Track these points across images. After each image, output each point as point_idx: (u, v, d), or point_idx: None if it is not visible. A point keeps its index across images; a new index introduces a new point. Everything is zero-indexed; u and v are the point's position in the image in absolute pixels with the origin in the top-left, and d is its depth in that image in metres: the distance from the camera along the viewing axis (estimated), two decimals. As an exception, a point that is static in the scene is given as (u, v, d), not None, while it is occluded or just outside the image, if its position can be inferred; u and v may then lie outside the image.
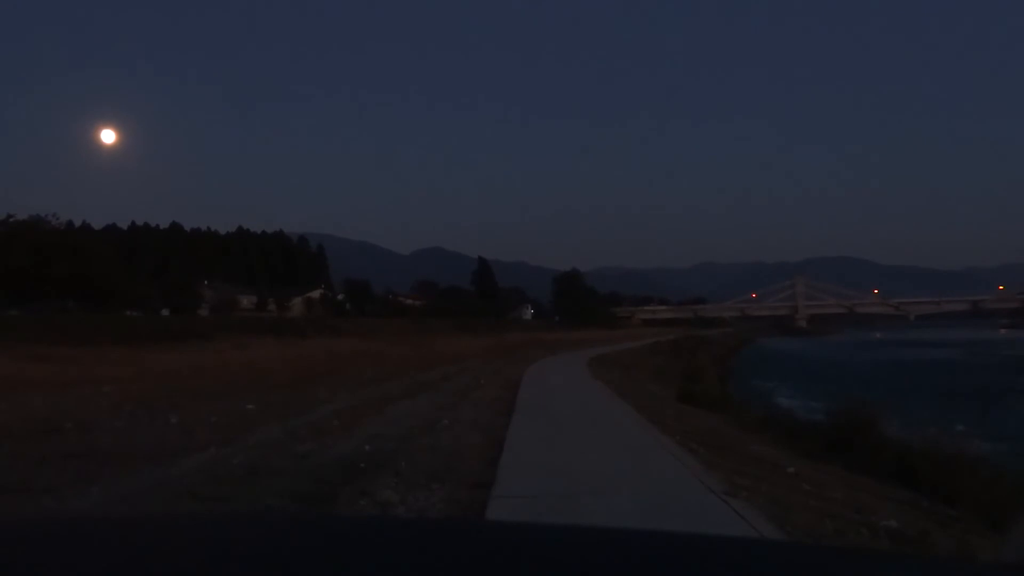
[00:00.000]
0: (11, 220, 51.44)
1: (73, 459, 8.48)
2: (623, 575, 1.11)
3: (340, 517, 3.50)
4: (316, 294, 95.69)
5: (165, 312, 59.61)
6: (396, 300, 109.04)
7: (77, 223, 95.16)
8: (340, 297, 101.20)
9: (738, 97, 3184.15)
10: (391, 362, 29.55)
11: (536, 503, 6.14)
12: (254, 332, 41.49)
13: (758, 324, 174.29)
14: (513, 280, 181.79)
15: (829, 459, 11.71)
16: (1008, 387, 32.51)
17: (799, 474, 9.16)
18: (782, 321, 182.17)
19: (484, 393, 17.30)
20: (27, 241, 46.65)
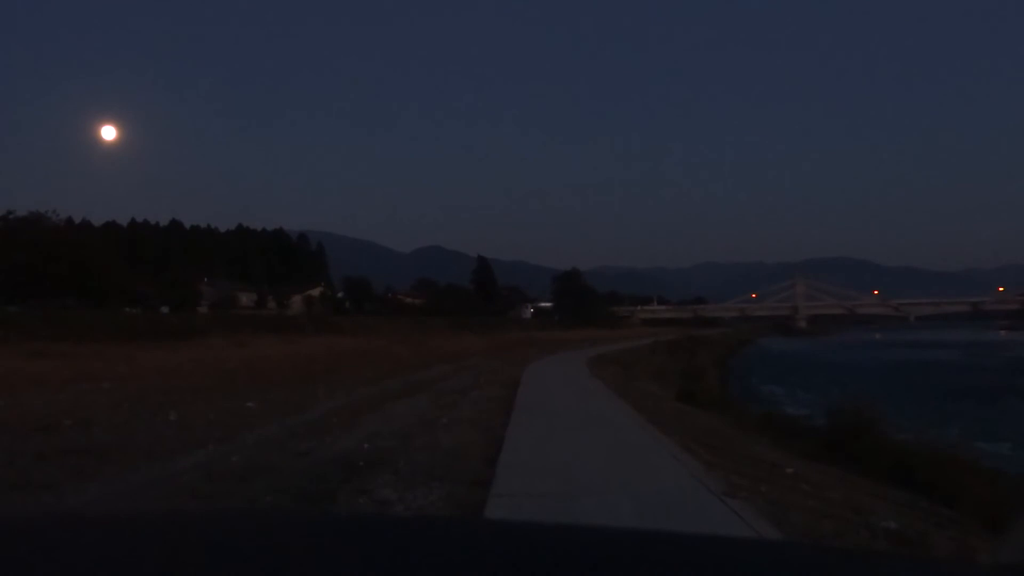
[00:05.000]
0: (11, 216, 51.47)
1: (72, 455, 8.49)
2: (622, 575, 1.11)
3: (338, 515, 3.49)
4: (316, 292, 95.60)
5: (164, 309, 59.56)
6: (396, 298, 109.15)
7: (77, 220, 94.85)
8: (340, 295, 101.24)
9: (739, 96, 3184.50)
10: (390, 360, 29.57)
11: (535, 502, 6.14)
12: (254, 330, 41.55)
13: (758, 324, 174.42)
14: (513, 279, 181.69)
15: (828, 460, 11.71)
16: (1007, 388, 32.54)
17: (798, 474, 9.16)
18: (782, 321, 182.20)
19: (483, 392, 17.30)
20: (27, 238, 46.68)
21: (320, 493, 6.84)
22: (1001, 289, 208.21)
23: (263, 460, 8.49)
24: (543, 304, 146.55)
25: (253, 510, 4.86)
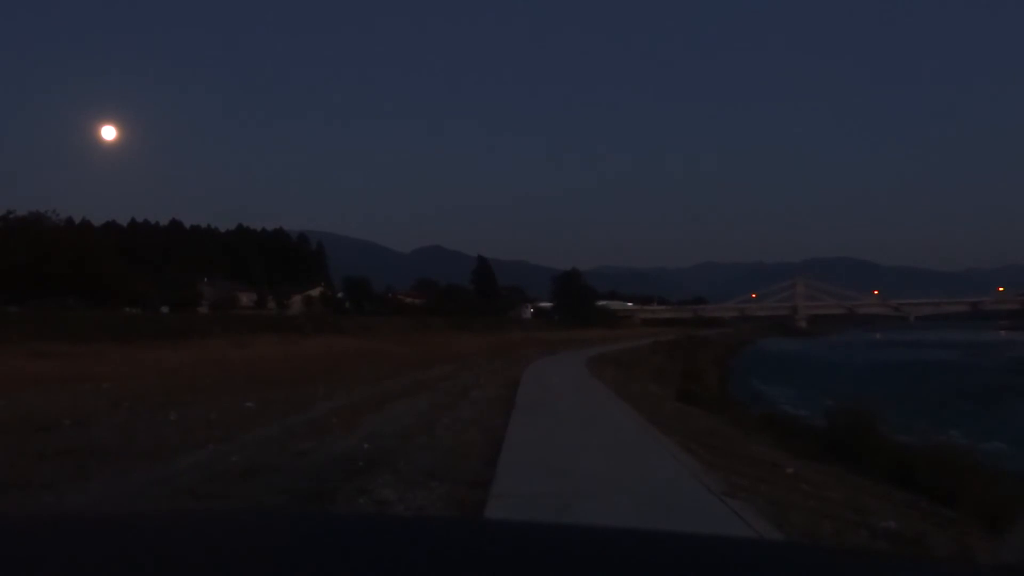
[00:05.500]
0: (11, 216, 51.49)
1: (72, 455, 8.48)
2: (623, 575, 1.11)
3: (338, 515, 3.50)
4: (316, 292, 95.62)
5: (165, 309, 59.59)
6: (396, 298, 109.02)
7: (77, 220, 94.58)
8: (340, 295, 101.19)
9: (738, 96, 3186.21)
10: (390, 360, 29.57)
11: (535, 502, 6.14)
12: (254, 330, 41.49)
13: (758, 324, 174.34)
14: (513, 279, 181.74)
15: (828, 460, 11.71)
16: (1007, 388, 32.56)
17: (798, 475, 9.16)
18: (782, 322, 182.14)
19: (483, 392, 17.31)
20: (27, 237, 46.69)
21: (320, 493, 6.83)
22: (1001, 289, 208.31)
23: (263, 460, 8.48)
24: (543, 304, 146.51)
25: (253, 510, 4.86)
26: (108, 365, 21.37)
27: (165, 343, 30.47)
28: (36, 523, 1.59)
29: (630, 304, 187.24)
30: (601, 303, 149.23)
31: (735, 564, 1.18)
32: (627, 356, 41.89)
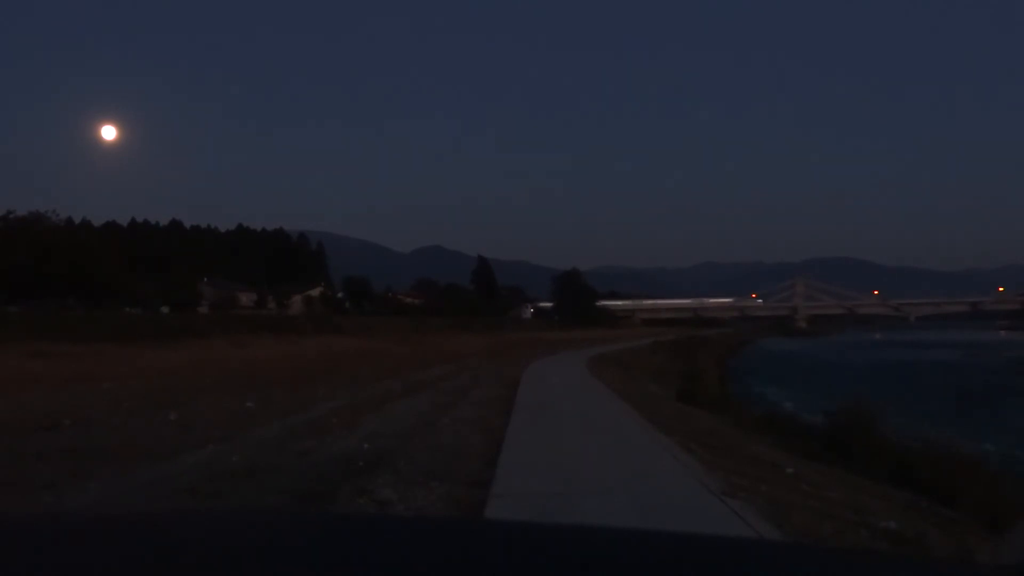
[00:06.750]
0: (11, 216, 51.44)
1: (72, 455, 8.49)
2: (623, 575, 1.11)
3: (338, 515, 3.49)
4: (316, 292, 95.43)
5: (165, 309, 59.46)
6: (396, 298, 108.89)
7: (77, 220, 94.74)
8: (340, 295, 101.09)
9: (737, 97, 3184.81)
10: (390, 360, 29.56)
11: (535, 502, 6.13)
12: (254, 330, 41.48)
13: (758, 324, 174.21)
14: (513, 279, 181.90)
15: (828, 460, 11.71)
16: (1006, 388, 32.56)
17: (798, 475, 9.16)
18: (782, 322, 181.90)
19: (483, 392, 17.30)
20: (27, 237, 46.65)
21: (320, 493, 6.83)
22: (1001, 289, 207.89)
23: (263, 460, 8.48)
24: (543, 304, 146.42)
25: (253, 510, 4.86)
26: (108, 365, 21.37)
27: (165, 343, 30.46)
28: (36, 523, 1.59)
29: (657, 301, 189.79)
30: (618, 303, 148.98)
31: (735, 564, 1.18)
32: (627, 356, 41.88)
